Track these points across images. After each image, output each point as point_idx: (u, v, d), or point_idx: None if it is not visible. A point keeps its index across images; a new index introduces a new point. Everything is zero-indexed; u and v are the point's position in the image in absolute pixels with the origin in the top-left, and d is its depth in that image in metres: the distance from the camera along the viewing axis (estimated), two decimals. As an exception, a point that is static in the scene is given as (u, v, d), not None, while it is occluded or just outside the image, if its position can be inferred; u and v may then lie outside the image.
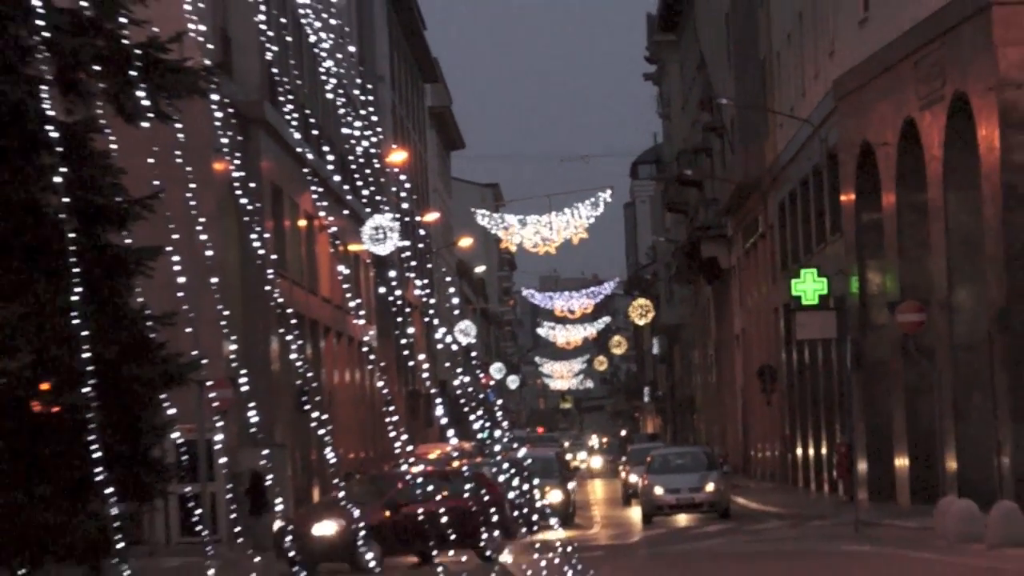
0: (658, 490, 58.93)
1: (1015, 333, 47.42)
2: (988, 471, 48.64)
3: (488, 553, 41.70)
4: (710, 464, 62.06)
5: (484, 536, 41.40)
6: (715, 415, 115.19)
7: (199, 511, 40.77)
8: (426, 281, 33.96)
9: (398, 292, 34.14)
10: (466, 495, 40.69)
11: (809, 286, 64.18)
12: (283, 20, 32.78)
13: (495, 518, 40.79)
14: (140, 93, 32.54)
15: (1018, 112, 47.25)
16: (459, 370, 29.58)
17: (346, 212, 39.48)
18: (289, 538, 40.02)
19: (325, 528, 42.36)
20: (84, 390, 29.81)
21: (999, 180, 47.67)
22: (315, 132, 34.04)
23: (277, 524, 43.15)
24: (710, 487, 58.16)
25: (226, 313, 31.79)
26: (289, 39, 33.06)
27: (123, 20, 33.53)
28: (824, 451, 71.24)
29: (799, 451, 78.70)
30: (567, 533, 33.71)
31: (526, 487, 35.18)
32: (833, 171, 64.94)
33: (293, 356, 34.95)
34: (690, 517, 58.11)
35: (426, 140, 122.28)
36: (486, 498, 41.24)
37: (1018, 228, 47.36)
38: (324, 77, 33.02)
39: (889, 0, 56.75)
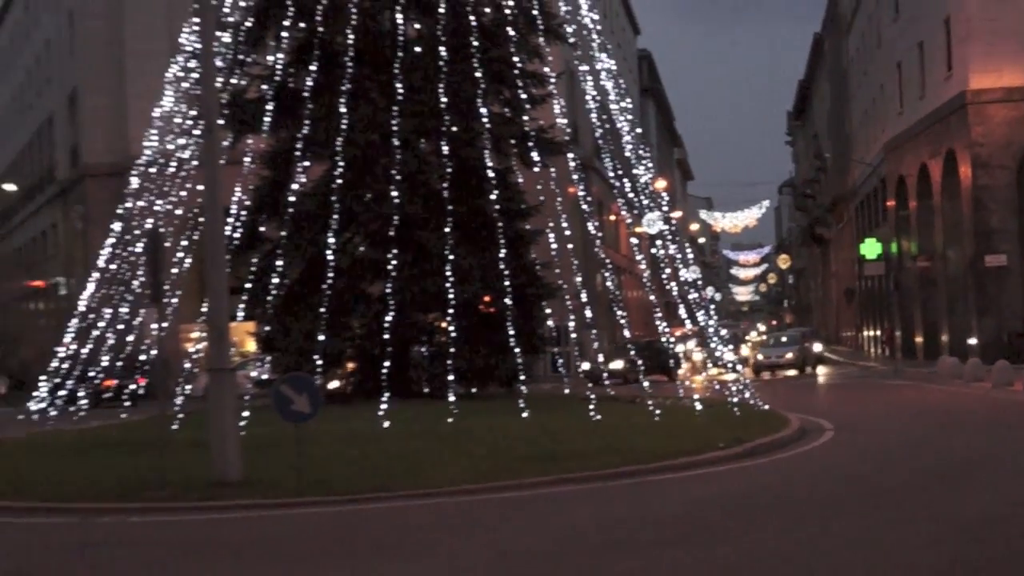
0: (759, 356, 57.25)
1: (978, 271, 46.30)
2: (965, 342, 47.49)
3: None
4: (794, 342, 59.64)
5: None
6: (821, 314, 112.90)
7: (560, 360, 40.90)
8: (675, 246, 33.84)
9: (660, 252, 33.87)
10: None
11: (871, 248, 62.56)
12: (604, 116, 32.62)
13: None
14: (533, 154, 32.76)
15: (981, 160, 46.06)
16: (692, 291, 29.29)
17: (635, 212, 39.46)
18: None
19: None
20: (505, 300, 30.13)
21: (971, 194, 46.52)
22: (620, 171, 33.89)
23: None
24: (788, 355, 55.88)
25: (575, 262, 31.89)
26: (607, 126, 32.85)
27: (525, 118, 33.81)
28: (878, 332, 69.77)
29: (865, 333, 76.99)
30: (738, 374, 33.35)
31: (724, 348, 34.85)
32: (883, 190, 63.41)
33: (608, 284, 34.86)
34: (778, 371, 55.46)
35: (674, 174, 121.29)
36: None
37: (981, 219, 46.27)
38: (624, 143, 32.80)
39: (913, 102, 55.37)
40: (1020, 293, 47.01)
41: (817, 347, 59.48)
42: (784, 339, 60.77)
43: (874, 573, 10.60)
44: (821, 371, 54.27)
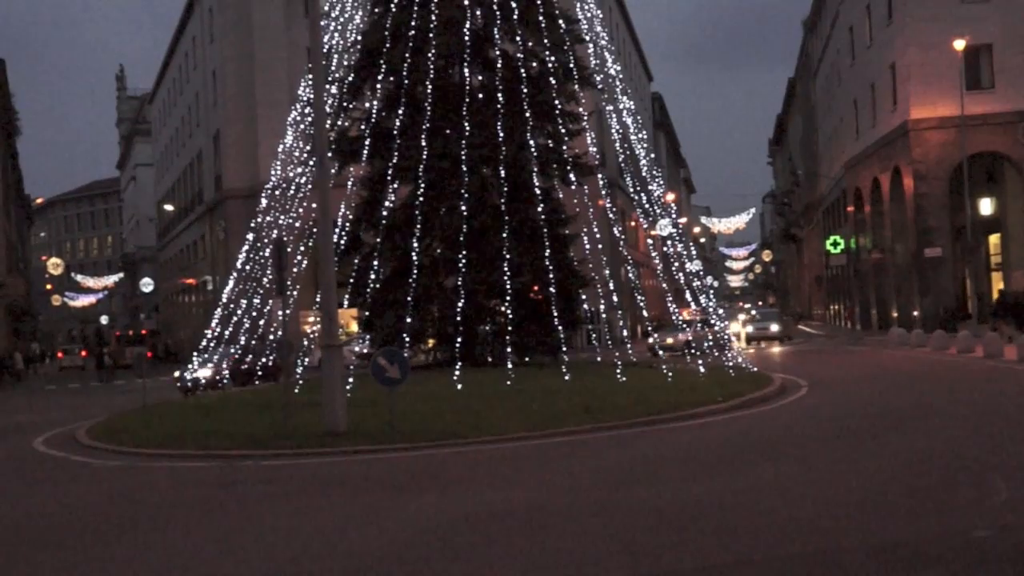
0: (748, 328, 54.99)
1: (919, 261, 45.90)
2: (910, 316, 46.96)
3: None
4: (775, 318, 57.74)
5: None
6: (797, 297, 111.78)
7: (594, 335, 40.56)
8: (681, 245, 33.51)
9: (670, 250, 33.58)
10: None
11: (834, 244, 61.89)
12: (625, 145, 32.35)
13: None
14: (571, 175, 32.57)
15: (920, 174, 45.89)
16: (695, 280, 28.71)
17: (650, 218, 39.02)
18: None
19: (201, 373, 34.13)
20: (550, 289, 29.96)
21: (913, 201, 46.14)
22: (638, 187, 33.54)
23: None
24: (773, 328, 54.05)
25: (604, 259, 31.61)
26: (628, 152, 32.52)
27: (564, 147, 33.56)
28: (842, 309, 69.06)
29: (831, 309, 76.30)
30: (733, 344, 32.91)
31: (722, 323, 34.44)
32: (844, 199, 62.82)
33: (631, 275, 34.53)
34: (764, 342, 53.76)
35: (680, 189, 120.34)
36: None
37: (921, 220, 46.07)
38: (641, 166, 32.49)
39: (866, 130, 54.92)
40: (952, 278, 46.69)
41: (774, 327, 56.19)
42: (764, 316, 58.91)
43: (843, 490, 10.47)
44: (790, 343, 53.31)
